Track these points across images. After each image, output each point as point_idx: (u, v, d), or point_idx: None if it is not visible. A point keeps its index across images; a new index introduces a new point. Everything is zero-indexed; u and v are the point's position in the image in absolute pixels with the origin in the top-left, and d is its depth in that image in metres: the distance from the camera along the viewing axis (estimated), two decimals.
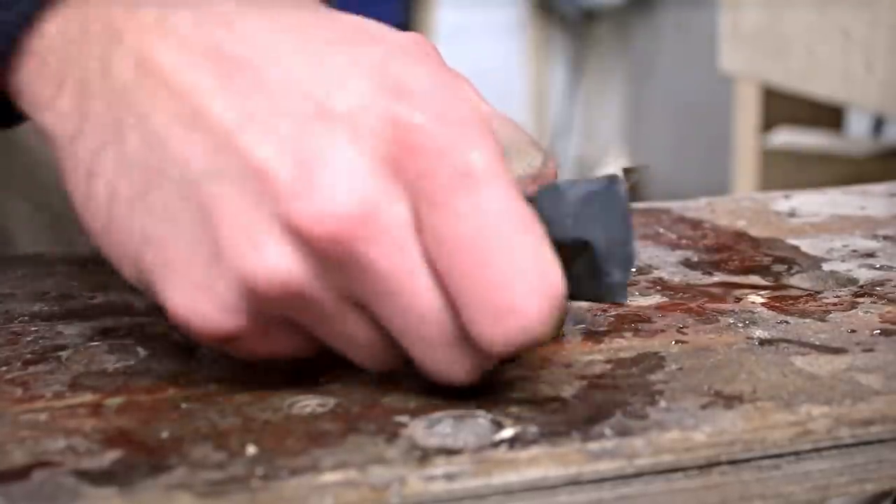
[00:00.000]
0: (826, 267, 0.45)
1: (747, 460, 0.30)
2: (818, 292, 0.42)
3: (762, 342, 0.36)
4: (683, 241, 0.50)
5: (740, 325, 0.38)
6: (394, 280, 0.29)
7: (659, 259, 0.47)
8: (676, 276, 0.44)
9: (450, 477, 0.28)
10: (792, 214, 0.55)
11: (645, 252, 0.48)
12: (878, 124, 1.59)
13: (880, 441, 0.31)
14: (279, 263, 0.29)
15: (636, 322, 0.38)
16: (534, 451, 0.29)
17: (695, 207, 0.56)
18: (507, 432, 0.30)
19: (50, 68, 0.33)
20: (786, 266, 0.45)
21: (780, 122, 1.41)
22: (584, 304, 0.41)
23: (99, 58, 0.32)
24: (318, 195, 0.28)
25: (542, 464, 0.28)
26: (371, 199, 0.29)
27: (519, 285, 0.28)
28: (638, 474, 0.29)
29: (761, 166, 1.37)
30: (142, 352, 0.36)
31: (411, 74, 0.30)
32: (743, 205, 0.57)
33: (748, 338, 0.37)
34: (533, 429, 0.30)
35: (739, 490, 0.30)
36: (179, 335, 0.36)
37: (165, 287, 0.30)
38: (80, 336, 0.38)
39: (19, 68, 0.34)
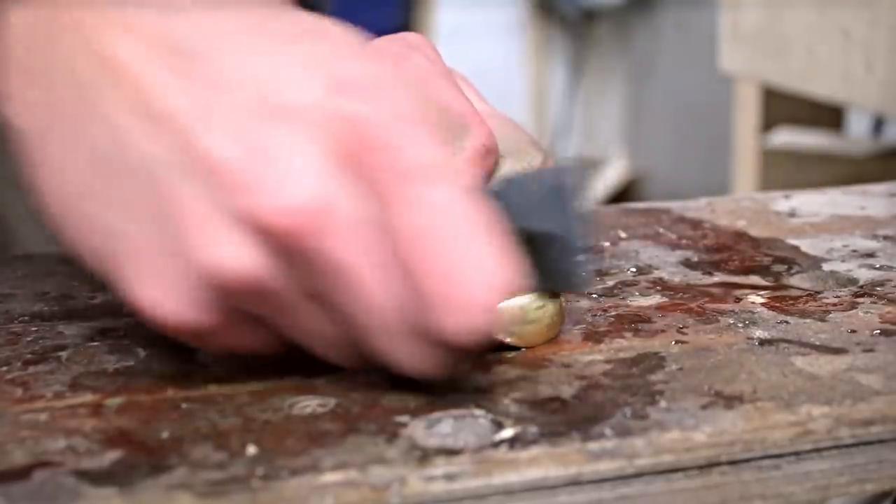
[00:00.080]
0: (826, 267, 0.45)
1: (747, 460, 0.30)
2: (818, 292, 0.42)
3: (762, 342, 0.36)
4: (683, 241, 0.50)
5: (740, 325, 0.38)
6: (350, 272, 0.30)
7: (659, 259, 0.47)
8: (676, 276, 0.44)
9: (450, 477, 0.28)
10: (792, 214, 0.55)
11: (645, 252, 0.48)
12: (878, 124, 1.59)
13: (880, 441, 0.31)
14: (238, 257, 0.29)
15: (636, 322, 0.38)
16: (534, 451, 0.29)
17: (695, 207, 0.56)
18: (507, 432, 0.30)
19: (15, 61, 0.33)
20: (786, 266, 0.45)
21: (780, 122, 1.41)
22: (583, 305, 0.41)
23: (63, 52, 0.32)
24: (273, 189, 0.29)
25: (542, 464, 0.28)
26: (325, 193, 0.29)
27: (471, 278, 0.29)
28: (638, 474, 0.29)
29: (761, 166, 1.37)
30: (142, 352, 0.36)
31: (363, 72, 0.31)
32: (743, 205, 0.57)
33: (748, 338, 0.37)
34: (533, 429, 0.30)
35: (739, 490, 0.30)
36: None
37: (128, 279, 0.31)
38: (80, 336, 0.38)
39: None
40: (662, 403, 0.31)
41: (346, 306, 0.31)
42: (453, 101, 0.44)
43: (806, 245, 0.48)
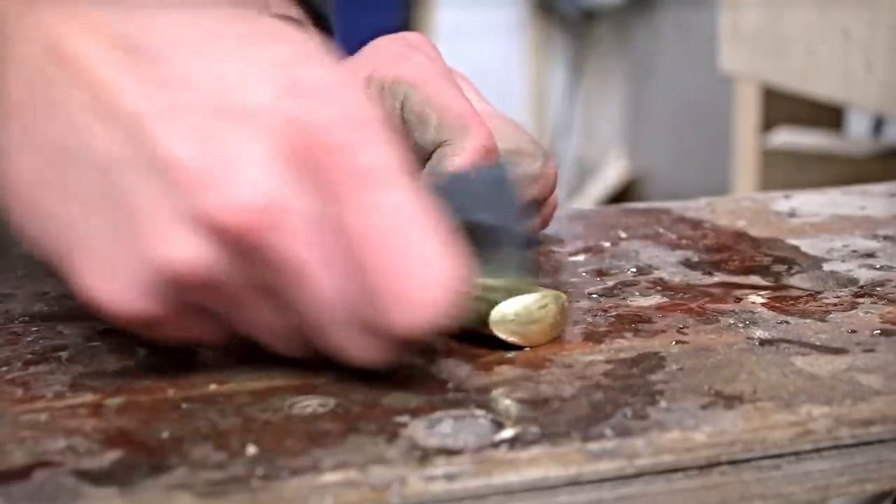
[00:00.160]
0: (826, 267, 0.45)
1: (747, 460, 0.30)
2: (818, 292, 0.42)
3: (762, 342, 0.36)
4: (683, 241, 0.50)
5: (740, 325, 0.38)
6: (299, 269, 0.31)
7: (659, 259, 0.47)
8: (676, 276, 0.44)
9: (450, 477, 0.28)
10: (792, 214, 0.55)
11: (645, 252, 0.48)
12: (878, 124, 1.59)
13: (880, 441, 0.31)
14: (189, 252, 0.30)
15: (636, 322, 0.38)
16: (534, 451, 0.29)
17: (695, 207, 0.56)
18: (507, 432, 0.30)
19: None
20: (786, 266, 0.45)
21: (780, 122, 1.41)
22: (584, 305, 0.41)
23: (22, 48, 0.33)
24: (224, 187, 0.29)
25: (542, 464, 0.28)
26: (276, 192, 0.30)
27: (418, 276, 0.30)
28: (638, 474, 0.29)
29: (761, 166, 1.37)
30: (142, 352, 0.36)
31: (312, 75, 0.31)
32: (743, 205, 0.57)
33: (748, 338, 0.37)
34: (533, 429, 0.30)
35: (739, 490, 0.30)
36: None
37: (79, 270, 0.31)
38: (80, 336, 0.38)
39: None
40: (662, 403, 0.31)
41: (294, 301, 0.31)
42: (453, 101, 0.44)
43: (806, 245, 0.48)
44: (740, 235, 0.50)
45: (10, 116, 0.32)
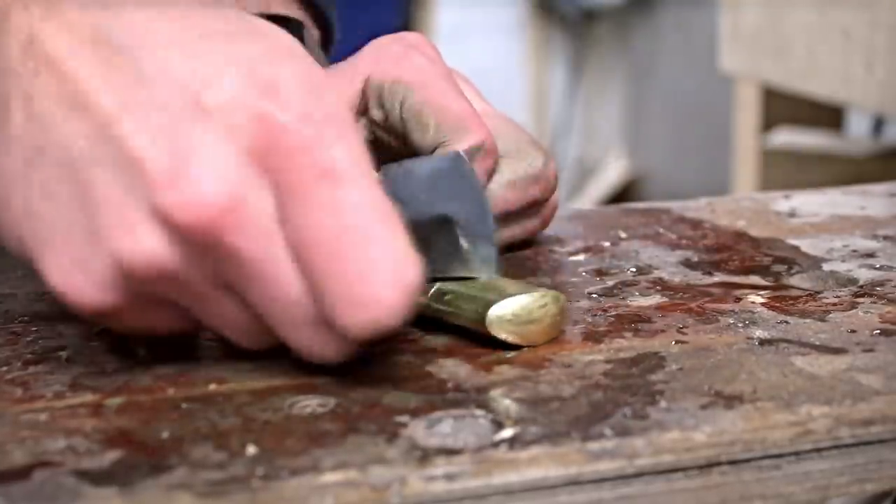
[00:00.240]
0: (826, 267, 0.45)
1: (747, 460, 0.30)
2: (818, 292, 0.42)
3: (762, 342, 0.36)
4: (683, 241, 0.50)
5: (740, 325, 0.38)
6: (258, 267, 0.31)
7: (659, 259, 0.47)
8: (676, 276, 0.44)
9: (450, 477, 0.28)
10: (792, 214, 0.55)
11: (645, 252, 0.48)
12: (878, 124, 1.59)
13: (880, 441, 0.31)
14: (150, 247, 0.30)
15: (636, 322, 0.38)
16: (534, 451, 0.29)
17: (695, 207, 0.56)
18: (507, 432, 0.30)
19: None
20: (786, 266, 0.45)
21: (780, 122, 1.41)
22: (583, 305, 0.41)
23: None
24: (186, 185, 0.30)
25: (542, 464, 0.28)
26: (237, 191, 0.30)
27: (374, 279, 0.30)
28: (638, 474, 0.29)
29: (761, 166, 1.37)
30: (142, 352, 0.36)
31: (283, 73, 0.31)
32: (743, 205, 0.57)
33: (748, 338, 0.37)
34: (533, 429, 0.30)
35: (739, 490, 0.30)
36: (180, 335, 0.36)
37: (44, 261, 0.32)
38: (80, 336, 0.38)
39: None
40: (662, 403, 0.31)
41: (253, 297, 0.32)
42: (452, 102, 0.44)
43: (806, 245, 0.48)
44: (740, 235, 0.51)
45: None
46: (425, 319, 0.37)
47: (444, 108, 0.44)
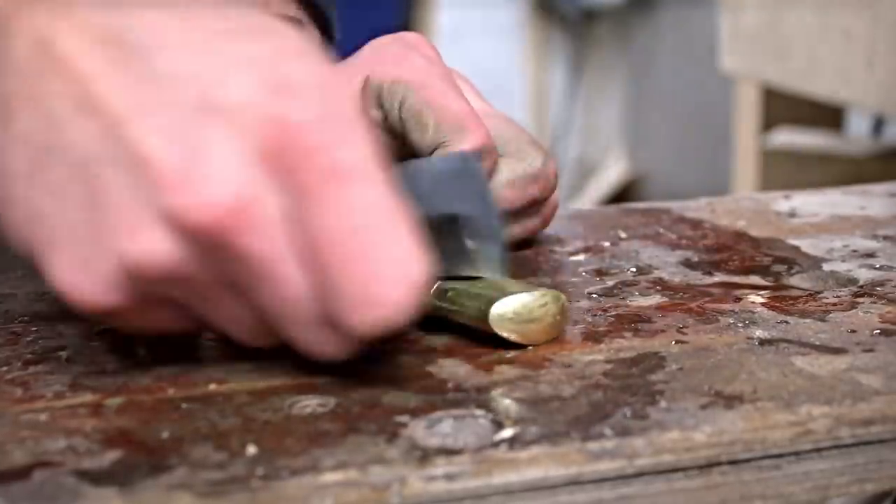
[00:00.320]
0: (826, 267, 0.45)
1: (748, 460, 0.30)
2: (818, 292, 0.42)
3: (762, 342, 0.36)
4: (683, 241, 0.50)
5: (740, 325, 0.38)
6: (266, 267, 0.31)
7: (659, 259, 0.47)
8: (676, 276, 0.44)
9: (450, 477, 0.28)
10: (792, 214, 0.55)
11: (645, 252, 0.48)
12: (878, 124, 1.59)
13: (880, 441, 0.31)
14: (157, 248, 0.30)
15: (636, 322, 0.38)
16: (534, 451, 0.29)
17: (695, 207, 0.56)
18: (507, 432, 0.30)
19: None
20: (786, 266, 0.45)
21: (780, 122, 1.41)
22: (583, 305, 0.41)
23: (4, 41, 0.33)
24: (195, 187, 0.30)
25: (542, 464, 0.28)
26: (246, 192, 0.30)
27: (383, 279, 0.30)
28: (638, 474, 0.29)
29: (761, 166, 1.37)
30: (142, 352, 0.36)
31: (296, 73, 0.31)
32: (743, 205, 0.57)
33: (748, 338, 0.37)
34: (533, 429, 0.30)
35: (740, 490, 0.30)
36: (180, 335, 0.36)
37: (50, 261, 0.32)
38: (80, 336, 0.38)
39: None
40: (662, 403, 0.31)
41: (259, 296, 0.32)
42: (451, 102, 0.44)
43: (806, 245, 0.48)
44: (740, 235, 0.51)
45: None
46: (427, 318, 0.37)
47: (443, 109, 0.44)
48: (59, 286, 0.31)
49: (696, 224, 0.53)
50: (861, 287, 0.42)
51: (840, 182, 0.68)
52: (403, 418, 0.31)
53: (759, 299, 0.41)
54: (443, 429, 0.30)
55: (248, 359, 0.35)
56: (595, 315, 0.39)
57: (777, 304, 0.40)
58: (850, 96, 1.05)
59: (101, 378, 0.34)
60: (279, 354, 0.34)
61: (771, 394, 0.32)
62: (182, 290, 0.32)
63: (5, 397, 0.33)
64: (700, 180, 2.35)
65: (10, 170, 0.32)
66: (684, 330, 0.38)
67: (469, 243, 0.37)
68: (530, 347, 0.36)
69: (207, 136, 0.30)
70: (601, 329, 0.38)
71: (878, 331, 0.37)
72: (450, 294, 0.37)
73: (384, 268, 0.30)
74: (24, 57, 0.32)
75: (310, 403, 0.32)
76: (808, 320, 0.38)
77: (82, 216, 0.31)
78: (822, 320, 0.38)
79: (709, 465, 0.30)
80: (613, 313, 0.40)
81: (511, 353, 0.35)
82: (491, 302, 0.35)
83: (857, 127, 1.60)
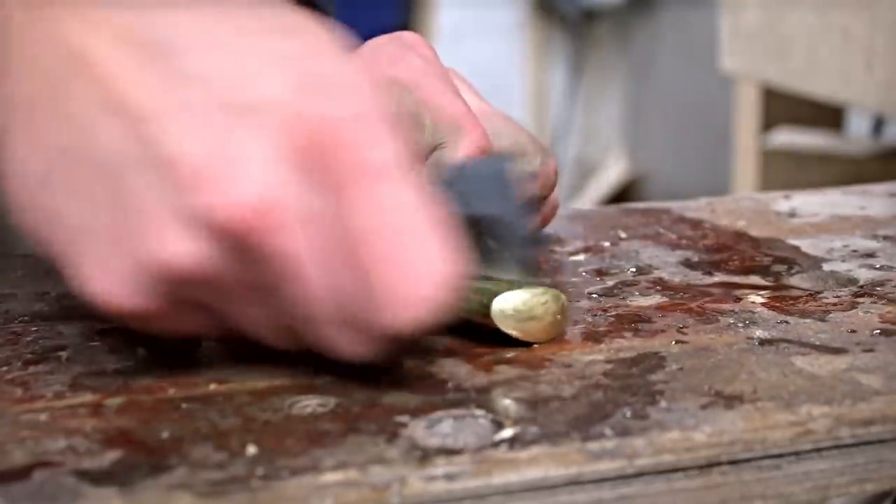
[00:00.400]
0: (826, 267, 0.45)
1: (748, 460, 0.30)
2: (818, 292, 0.42)
3: (762, 342, 0.36)
4: (683, 241, 0.50)
5: (740, 325, 0.38)
6: (294, 268, 0.31)
7: (659, 259, 0.47)
8: (676, 276, 0.44)
9: (450, 477, 0.28)
10: (792, 214, 0.55)
11: (645, 252, 0.48)
12: (878, 124, 1.59)
13: (881, 441, 0.31)
14: (185, 250, 0.30)
15: (636, 322, 0.38)
16: (534, 451, 0.29)
17: (695, 207, 0.56)
18: (507, 432, 0.30)
19: None
20: (786, 266, 0.45)
21: (780, 122, 1.41)
22: (583, 305, 0.41)
23: (31, 46, 0.33)
24: (224, 188, 0.30)
25: (542, 464, 0.28)
26: (273, 192, 0.30)
27: (414, 278, 0.30)
28: (638, 474, 0.29)
29: (761, 166, 1.37)
30: (142, 352, 0.36)
31: (328, 71, 0.31)
32: (743, 205, 0.57)
33: (748, 338, 0.37)
34: (533, 429, 0.30)
35: (740, 490, 0.30)
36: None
37: (76, 264, 0.31)
38: (80, 336, 0.38)
39: None
40: (662, 403, 0.31)
41: (288, 297, 0.32)
42: (448, 102, 0.44)
43: (806, 245, 0.48)
44: (740, 235, 0.51)
45: (19, 110, 0.32)
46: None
47: (439, 109, 0.44)
48: (87, 289, 0.31)
49: (696, 224, 0.53)
50: (861, 287, 0.42)
51: (840, 182, 0.68)
52: (403, 418, 0.31)
53: (760, 299, 0.41)
54: (443, 429, 0.30)
55: (248, 359, 0.35)
56: (595, 315, 0.39)
57: (777, 304, 0.40)
58: (850, 96, 1.05)
59: (101, 378, 0.34)
60: (279, 354, 0.34)
61: (771, 394, 0.32)
62: (209, 292, 0.32)
63: (5, 397, 0.33)
64: (700, 180, 2.35)
65: (35, 174, 0.32)
66: (684, 330, 0.38)
67: (491, 244, 0.37)
68: (533, 346, 0.36)
69: (236, 136, 0.30)
70: (601, 329, 0.38)
71: (879, 331, 0.37)
72: None
73: (416, 268, 0.30)
74: (46, 59, 0.32)
75: (310, 403, 0.32)
76: (808, 320, 0.38)
77: (107, 218, 0.31)
78: (823, 320, 0.38)
79: (709, 465, 0.30)
80: (613, 313, 0.40)
81: (511, 354, 0.35)
82: (492, 296, 0.35)
83: (857, 127, 1.60)
